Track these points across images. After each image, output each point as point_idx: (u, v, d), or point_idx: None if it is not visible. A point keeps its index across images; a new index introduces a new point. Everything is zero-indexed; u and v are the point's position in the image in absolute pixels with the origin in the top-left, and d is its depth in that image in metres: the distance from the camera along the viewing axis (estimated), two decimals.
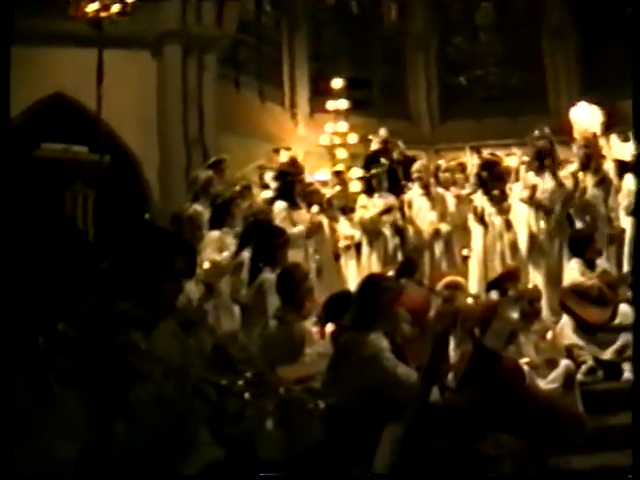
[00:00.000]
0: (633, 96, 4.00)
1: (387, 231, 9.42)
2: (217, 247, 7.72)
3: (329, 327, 6.13)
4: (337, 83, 15.75)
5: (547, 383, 6.72)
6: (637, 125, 4.08)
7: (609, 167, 9.32)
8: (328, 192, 10.09)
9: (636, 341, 3.47)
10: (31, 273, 2.51)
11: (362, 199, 9.79)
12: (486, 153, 10.74)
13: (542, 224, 8.86)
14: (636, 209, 7.99)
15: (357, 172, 11.87)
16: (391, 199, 9.56)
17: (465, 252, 9.34)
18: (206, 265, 7.12)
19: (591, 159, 9.05)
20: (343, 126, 15.31)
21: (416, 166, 9.73)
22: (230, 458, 3.40)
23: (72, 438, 2.35)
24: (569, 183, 8.99)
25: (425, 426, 3.35)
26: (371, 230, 9.45)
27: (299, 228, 8.45)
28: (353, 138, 15.11)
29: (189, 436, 3.26)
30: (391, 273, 7.82)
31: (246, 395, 2.83)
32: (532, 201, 8.86)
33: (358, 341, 4.71)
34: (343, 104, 15.55)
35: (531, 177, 9.11)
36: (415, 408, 3.31)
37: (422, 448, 3.35)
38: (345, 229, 9.60)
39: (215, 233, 8.01)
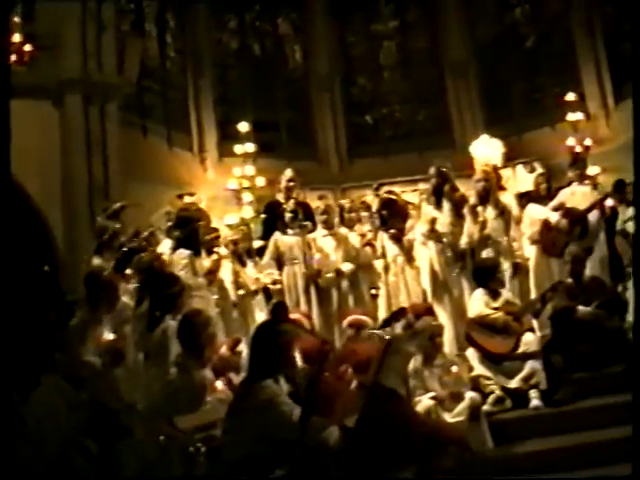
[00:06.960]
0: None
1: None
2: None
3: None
4: (244, 126, 15.77)
5: (453, 416, 6.77)
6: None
7: (509, 199, 9.40)
8: (233, 236, 9.91)
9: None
10: None
11: (276, 235, 9.48)
12: (384, 191, 10.71)
13: (443, 259, 8.97)
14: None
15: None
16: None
17: (373, 291, 9.34)
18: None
19: (489, 192, 9.10)
20: (250, 169, 15.36)
21: (320, 207, 9.62)
22: None
23: None
24: (468, 217, 9.08)
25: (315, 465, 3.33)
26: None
27: (200, 279, 8.28)
28: (261, 181, 15.16)
29: None
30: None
31: None
32: (431, 234, 8.94)
33: (255, 386, 4.67)
34: (250, 147, 15.58)
35: (430, 211, 9.22)
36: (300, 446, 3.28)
37: None
38: (252, 273, 9.45)
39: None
